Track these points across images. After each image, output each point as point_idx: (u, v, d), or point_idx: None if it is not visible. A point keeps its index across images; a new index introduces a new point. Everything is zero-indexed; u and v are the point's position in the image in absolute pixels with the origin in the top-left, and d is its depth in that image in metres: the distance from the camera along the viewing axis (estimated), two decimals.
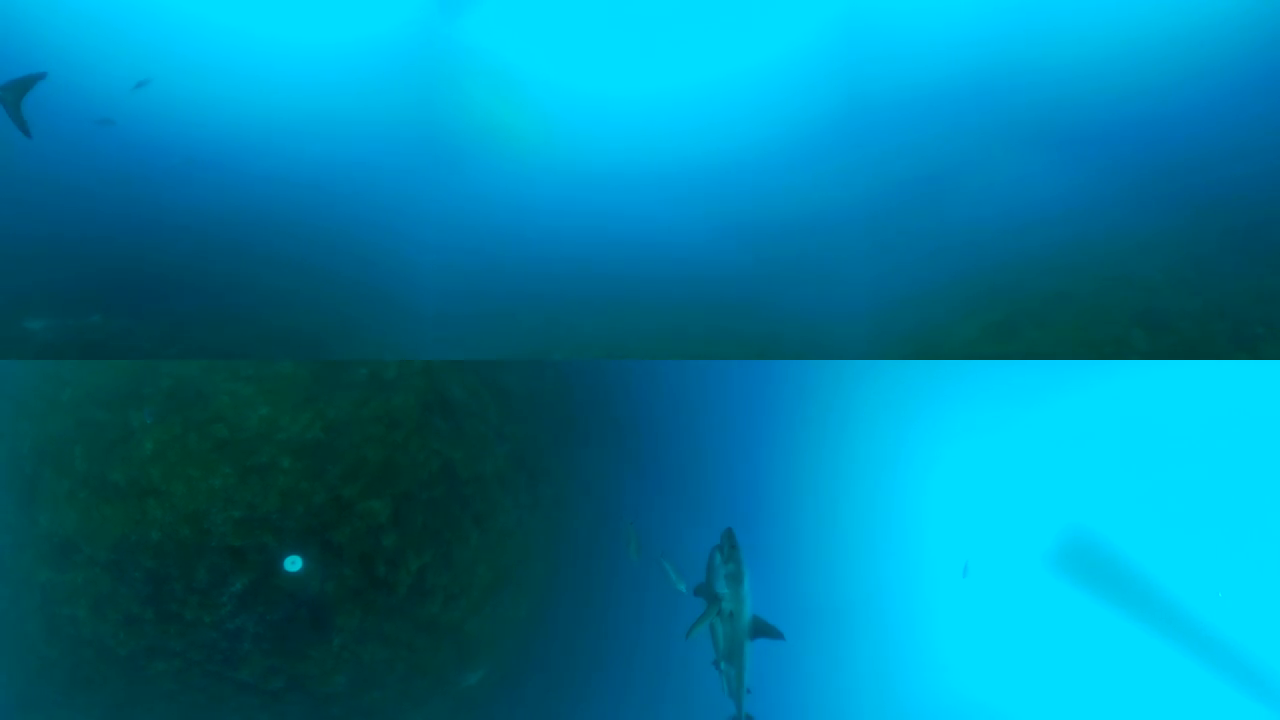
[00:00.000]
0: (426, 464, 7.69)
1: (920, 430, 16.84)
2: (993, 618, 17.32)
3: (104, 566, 5.98)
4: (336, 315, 11.55)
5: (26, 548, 6.01)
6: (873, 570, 17.71)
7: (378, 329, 12.09)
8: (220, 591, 6.29)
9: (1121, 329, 9.41)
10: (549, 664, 11.44)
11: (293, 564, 6.54)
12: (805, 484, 17.06)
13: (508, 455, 8.92)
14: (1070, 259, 12.04)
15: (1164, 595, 16.40)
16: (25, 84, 4.80)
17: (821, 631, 16.09)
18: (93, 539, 5.94)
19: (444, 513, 7.97)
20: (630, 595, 12.13)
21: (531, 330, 13.19)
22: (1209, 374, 14.28)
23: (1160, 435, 15.64)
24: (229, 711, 6.67)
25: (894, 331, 12.36)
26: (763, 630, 5.68)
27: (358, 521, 7.62)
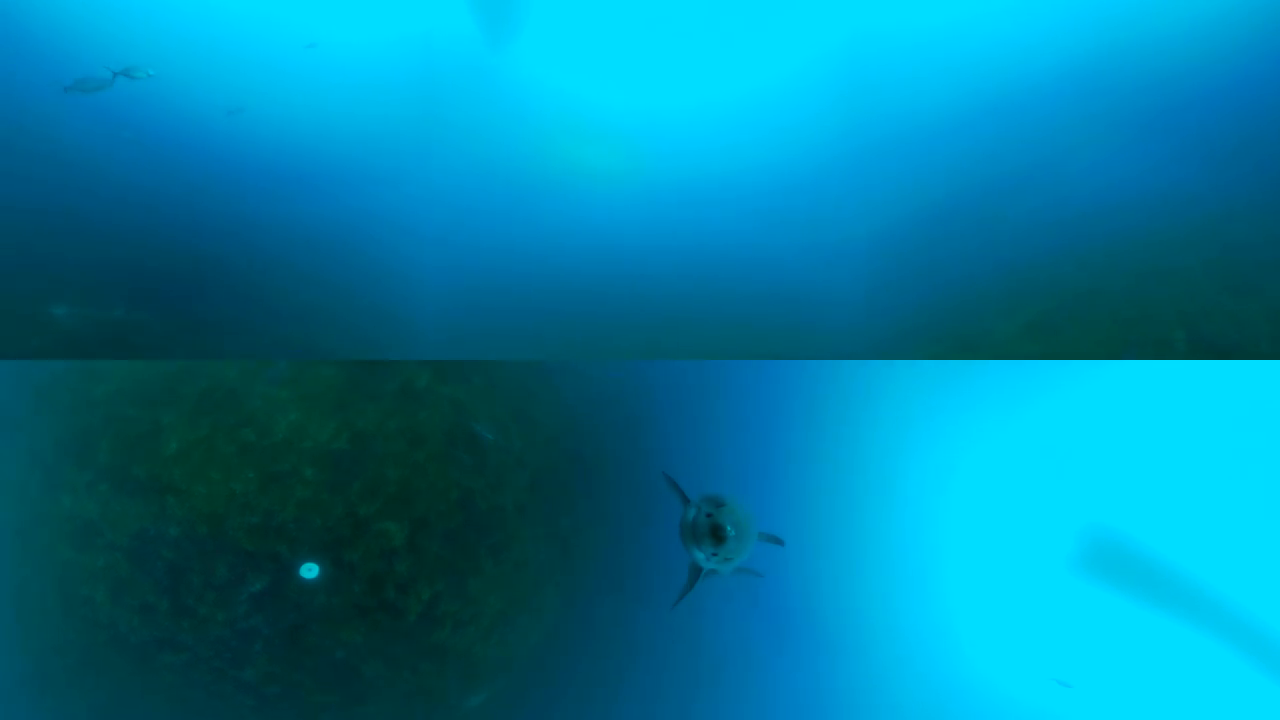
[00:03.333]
0: (446, 492, 7.83)
1: (939, 430, 16.67)
2: (1015, 622, 17.38)
3: (125, 552, 6.52)
4: (359, 323, 12.17)
5: (48, 524, 6.66)
6: (893, 577, 17.31)
7: (403, 336, 12.63)
8: (238, 590, 6.70)
9: (1164, 329, 9.51)
10: (556, 691, 11.58)
11: (309, 570, 6.86)
12: (824, 488, 16.99)
13: (528, 485, 8.97)
14: (1111, 255, 12.02)
15: (1196, 590, 16.41)
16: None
17: (836, 638, 16.19)
18: (115, 525, 6.49)
19: (460, 542, 8.11)
20: (648, 628, 12.15)
21: (549, 333, 13.55)
22: (1232, 370, 14.28)
23: (1183, 432, 15.65)
24: (225, 710, 7.13)
25: (929, 331, 12.59)
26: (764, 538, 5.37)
27: (372, 542, 7.89)
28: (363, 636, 8.36)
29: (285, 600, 7.42)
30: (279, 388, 7.18)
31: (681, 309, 14.53)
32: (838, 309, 14.61)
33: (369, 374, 8.59)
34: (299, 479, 7.26)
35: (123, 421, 6.63)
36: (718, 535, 4.00)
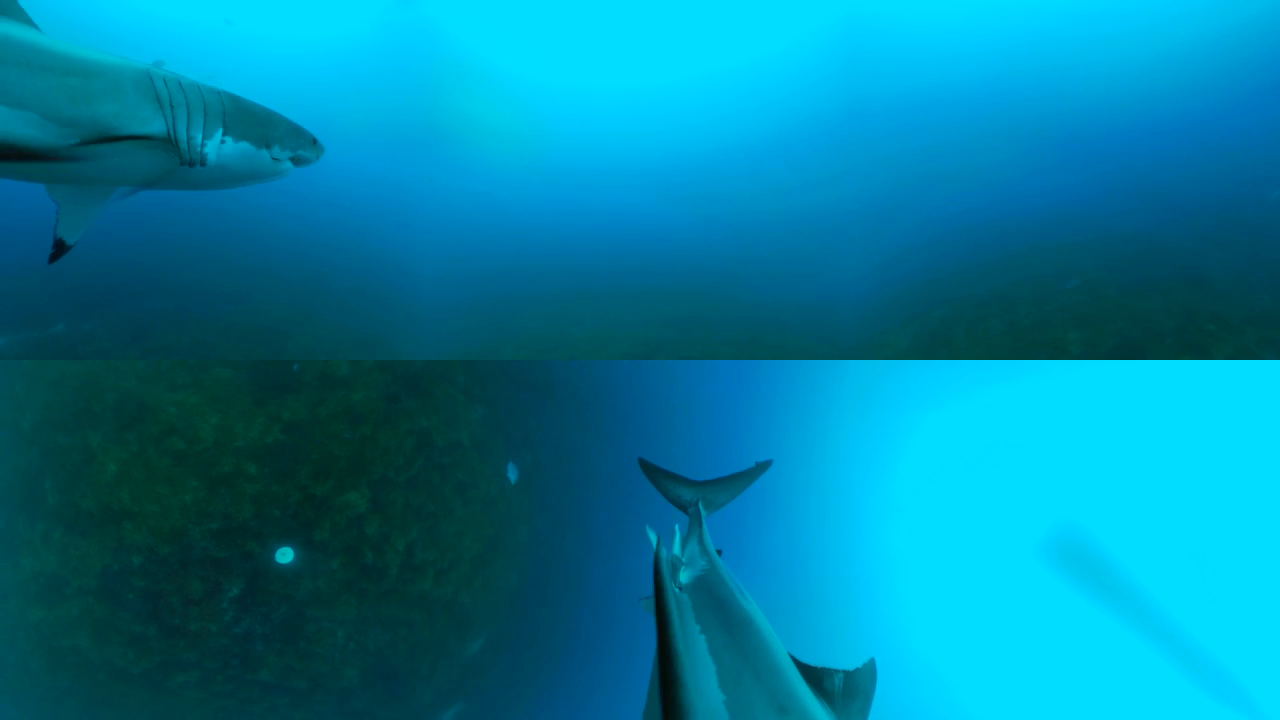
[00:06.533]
0: (400, 448, 8.39)
1: (922, 426, 17.93)
2: (979, 605, 18.73)
3: (96, 594, 6.63)
4: (306, 314, 12.09)
5: (12, 594, 6.58)
6: (858, 564, 18.48)
7: (349, 328, 12.63)
8: (219, 599, 7.01)
9: (1059, 331, 10.23)
10: (543, 630, 12.47)
11: (284, 555, 7.26)
12: (791, 473, 17.70)
13: (482, 420, 9.65)
14: (1012, 262, 13.23)
15: (1141, 593, 17.56)
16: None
17: (805, 624, 16.89)
18: (78, 570, 6.55)
19: (425, 487, 8.78)
20: (610, 560, 13.17)
21: (517, 331, 13.76)
22: (1202, 374, 15.53)
23: (1153, 434, 16.94)
24: (263, 712, 7.52)
25: (831, 338, 13.44)
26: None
27: (337, 516, 8.36)
28: (355, 609, 8.91)
29: (273, 594, 7.79)
30: (185, 393, 7.30)
31: (622, 312, 14.54)
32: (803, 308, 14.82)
33: (274, 370, 8.75)
34: (245, 476, 7.56)
35: (58, 453, 6.56)
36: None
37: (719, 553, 4.65)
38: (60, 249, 3.31)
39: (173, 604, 6.71)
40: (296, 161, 3.67)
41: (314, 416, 8.47)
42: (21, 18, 3.05)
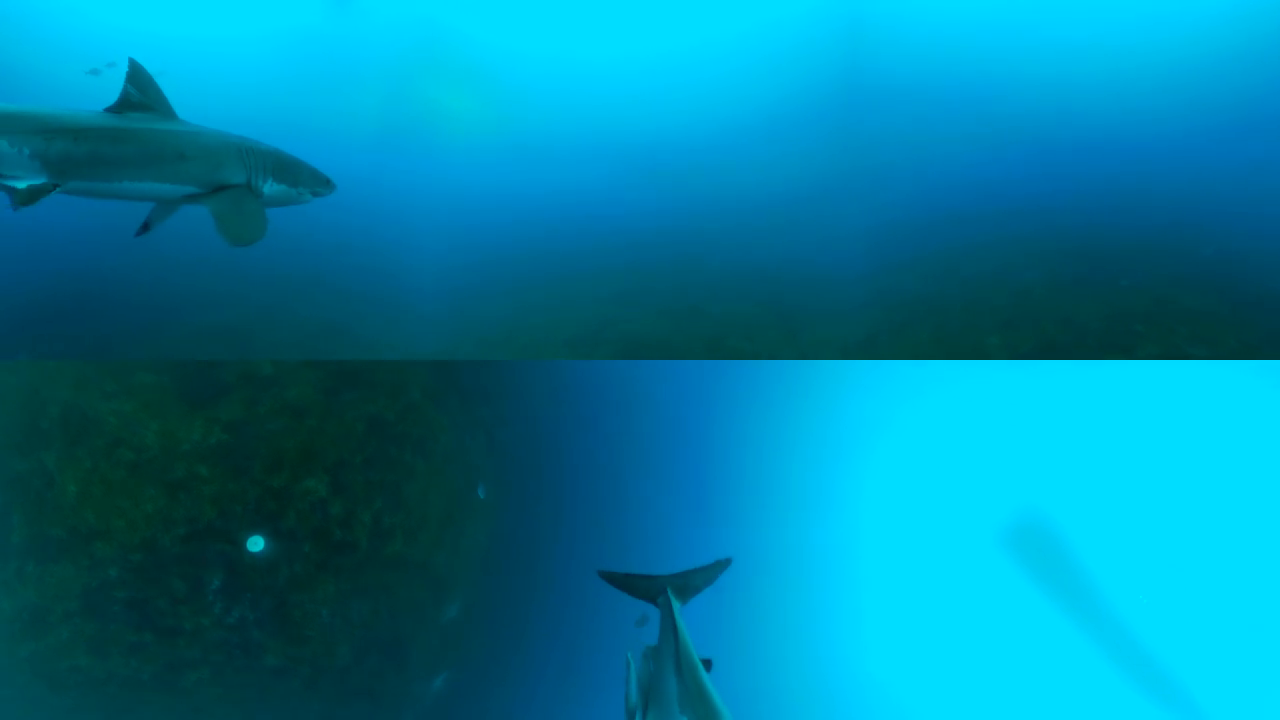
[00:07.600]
0: (351, 433, 8.78)
1: (894, 426, 17.93)
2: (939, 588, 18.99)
3: (82, 615, 6.77)
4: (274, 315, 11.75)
5: None
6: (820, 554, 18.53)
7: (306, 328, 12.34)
8: (203, 592, 7.31)
9: (982, 335, 10.57)
10: (519, 592, 13.04)
11: (255, 544, 7.61)
12: (751, 467, 17.71)
13: (431, 369, 10.02)
14: (947, 262, 13.72)
15: (1097, 590, 17.70)
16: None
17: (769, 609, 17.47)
18: (58, 596, 6.65)
19: (383, 461, 9.23)
20: (584, 519, 13.59)
21: (489, 326, 13.57)
22: (1175, 374, 15.70)
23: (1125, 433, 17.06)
24: (280, 698, 7.89)
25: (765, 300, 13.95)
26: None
27: (300, 502, 8.70)
28: (334, 586, 9.35)
29: (254, 586, 8.12)
30: (119, 401, 7.39)
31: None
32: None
33: (195, 373, 8.79)
34: (199, 479, 7.82)
35: (21, 482, 6.53)
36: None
37: (707, 664, 4.45)
38: (147, 228, 5.01)
39: (160, 606, 6.96)
40: (314, 194, 5.30)
41: (252, 414, 8.67)
42: (171, 111, 4.66)
